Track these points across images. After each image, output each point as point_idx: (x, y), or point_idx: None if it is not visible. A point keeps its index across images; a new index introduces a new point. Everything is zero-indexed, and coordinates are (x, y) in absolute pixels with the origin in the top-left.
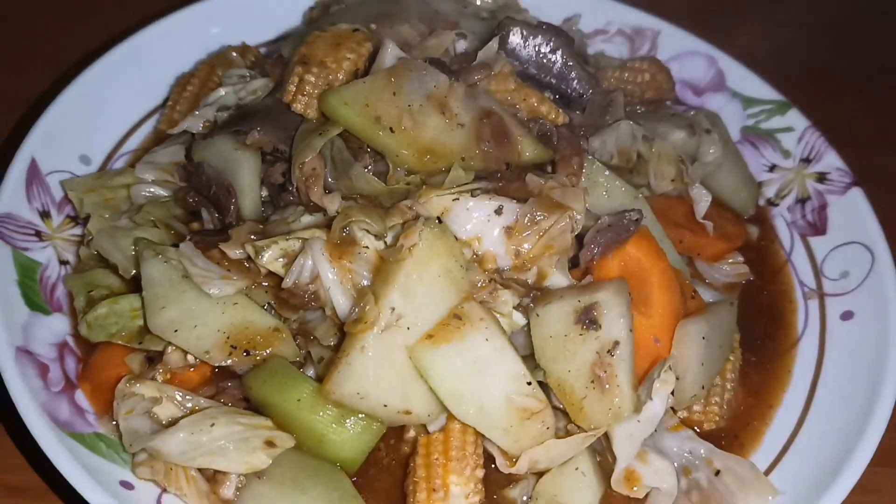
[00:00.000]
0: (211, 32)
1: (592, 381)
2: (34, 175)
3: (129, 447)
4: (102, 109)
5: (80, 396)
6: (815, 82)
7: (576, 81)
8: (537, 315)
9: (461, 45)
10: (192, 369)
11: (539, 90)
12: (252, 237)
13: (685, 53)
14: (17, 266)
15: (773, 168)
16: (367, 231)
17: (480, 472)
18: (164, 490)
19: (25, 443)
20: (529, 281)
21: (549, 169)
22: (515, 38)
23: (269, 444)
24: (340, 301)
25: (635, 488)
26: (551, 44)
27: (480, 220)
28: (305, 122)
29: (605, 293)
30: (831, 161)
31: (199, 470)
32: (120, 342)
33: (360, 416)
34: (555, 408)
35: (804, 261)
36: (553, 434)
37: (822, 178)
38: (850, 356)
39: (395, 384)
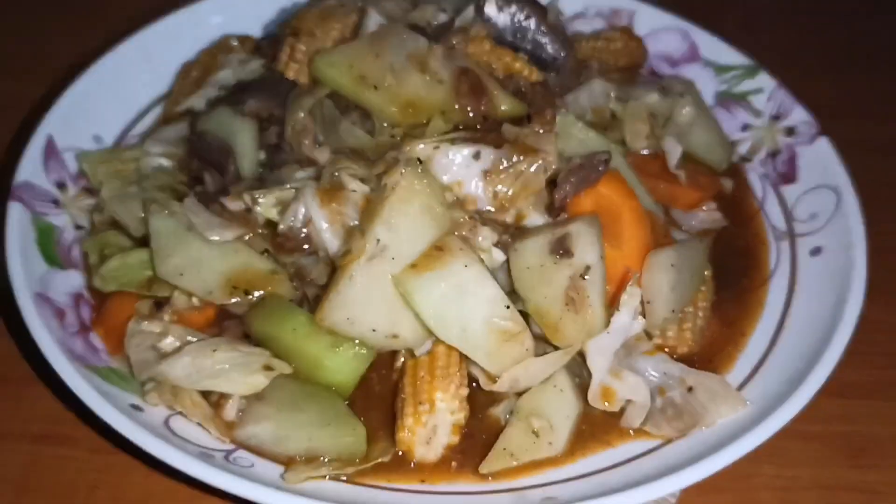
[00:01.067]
0: (213, 22)
1: (567, 304)
2: (51, 151)
3: (139, 375)
4: (114, 95)
5: (94, 338)
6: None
7: (549, 46)
8: (515, 249)
9: (441, 18)
10: (196, 311)
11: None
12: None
13: (660, 29)
14: (36, 228)
15: (745, 127)
16: (354, 176)
17: (465, 391)
18: (173, 411)
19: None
20: (509, 220)
21: (526, 122)
22: (491, 8)
23: (267, 368)
24: (331, 241)
25: (609, 403)
26: (525, 11)
27: (460, 166)
28: (298, 88)
29: (576, 224)
30: (798, 115)
31: (204, 397)
32: (131, 290)
33: (351, 342)
34: (536, 337)
35: (776, 207)
36: (532, 356)
37: (790, 131)
38: (819, 285)
39: (383, 310)
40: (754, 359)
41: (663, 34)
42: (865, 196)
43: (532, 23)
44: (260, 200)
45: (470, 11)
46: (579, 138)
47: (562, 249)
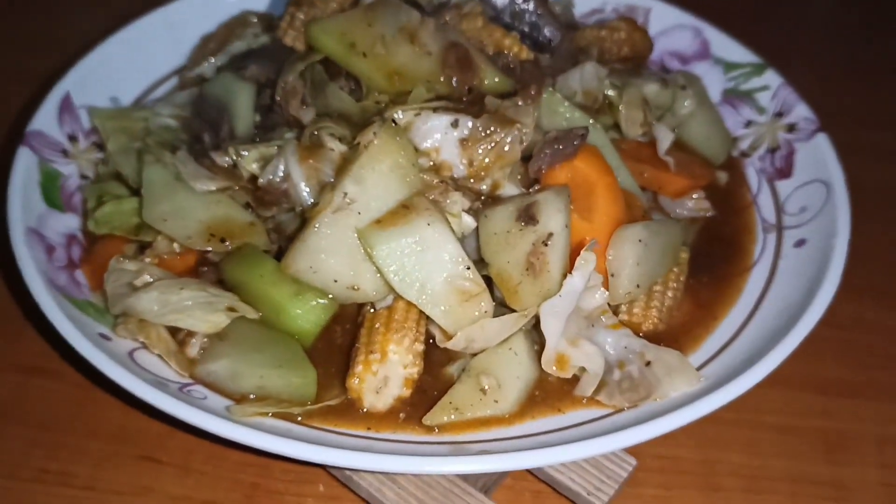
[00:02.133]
0: (229, 1)
1: (527, 269)
2: (67, 105)
3: (112, 308)
4: (133, 63)
5: (80, 275)
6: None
7: (546, 29)
8: (485, 216)
9: None
10: (177, 257)
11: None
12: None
13: (674, 27)
14: (41, 172)
15: (748, 124)
16: (334, 135)
17: (420, 347)
18: (139, 345)
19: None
20: (484, 190)
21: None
22: None
23: (231, 309)
24: (305, 195)
25: (562, 369)
26: None
27: (438, 133)
28: (295, 54)
29: (544, 194)
30: (800, 112)
31: (171, 333)
32: (119, 234)
33: (314, 291)
34: (499, 304)
35: (768, 201)
36: (490, 318)
37: (791, 128)
38: (797, 274)
39: (345, 262)
40: (721, 341)
41: (676, 31)
42: (864, 198)
43: (530, 5)
44: (244, 154)
45: None
46: (565, 116)
47: (527, 216)
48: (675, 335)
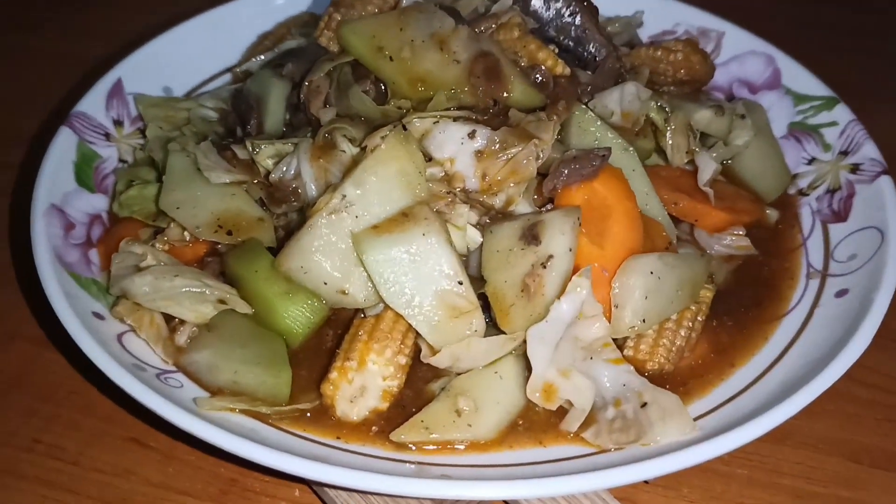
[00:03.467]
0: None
1: (522, 290)
2: (117, 91)
3: (111, 289)
4: (190, 56)
5: (94, 254)
6: None
7: (591, 45)
8: (490, 231)
9: (508, 1)
10: (188, 246)
11: (544, 43)
12: None
13: (746, 53)
14: (78, 152)
15: (811, 161)
16: (347, 137)
17: (403, 360)
18: (129, 327)
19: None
20: (497, 205)
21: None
22: (538, 1)
23: (221, 302)
24: (313, 194)
25: (548, 400)
26: (571, 8)
27: (455, 143)
28: (328, 54)
29: (551, 214)
30: (867, 152)
31: (165, 319)
32: (139, 218)
33: (306, 293)
34: (492, 324)
35: (818, 245)
36: (482, 335)
37: (855, 168)
38: (830, 327)
39: (336, 265)
40: (733, 390)
41: (748, 58)
42: None
43: (577, 19)
44: (261, 149)
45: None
46: (596, 136)
47: (531, 235)
48: (684, 378)
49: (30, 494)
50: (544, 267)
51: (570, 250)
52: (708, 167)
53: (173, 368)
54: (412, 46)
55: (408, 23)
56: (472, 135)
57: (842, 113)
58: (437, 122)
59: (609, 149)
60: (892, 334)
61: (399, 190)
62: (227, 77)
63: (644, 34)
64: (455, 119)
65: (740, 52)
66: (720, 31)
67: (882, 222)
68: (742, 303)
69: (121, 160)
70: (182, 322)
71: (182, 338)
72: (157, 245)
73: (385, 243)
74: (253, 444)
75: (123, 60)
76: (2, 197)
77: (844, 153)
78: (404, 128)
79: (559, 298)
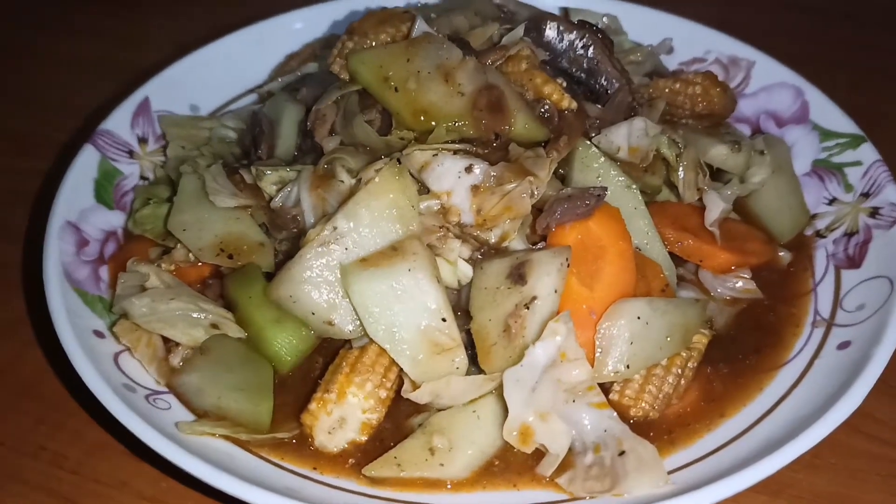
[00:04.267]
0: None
1: (504, 331)
2: (144, 109)
3: (114, 307)
4: (220, 74)
5: (105, 270)
6: None
7: (603, 77)
8: (481, 268)
9: (519, 33)
10: (192, 267)
11: (553, 76)
12: None
13: (775, 84)
14: (99, 169)
15: (832, 201)
16: (345, 168)
17: (384, 393)
18: (125, 347)
19: None
20: (492, 240)
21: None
22: (551, 32)
23: (214, 326)
24: (310, 223)
25: (524, 443)
26: (584, 40)
27: (453, 176)
28: (339, 81)
29: (539, 254)
30: (888, 195)
31: (164, 339)
32: (150, 236)
33: (296, 321)
34: (474, 362)
35: (829, 292)
36: (463, 373)
37: (874, 212)
38: (828, 381)
39: (324, 296)
40: (717, 443)
41: (777, 90)
42: None
43: (590, 51)
44: (266, 174)
45: (519, 31)
46: (598, 172)
47: (518, 274)
48: (670, 426)
49: (31, 500)
50: (527, 308)
51: (556, 292)
52: (715, 207)
53: (164, 389)
54: (418, 78)
55: (415, 54)
56: (469, 169)
57: (867, 152)
58: (437, 154)
59: (605, 188)
60: None
61: (390, 223)
62: (254, 97)
63: (674, 60)
64: (455, 152)
65: (770, 83)
66: (751, 60)
67: (893, 272)
68: (741, 349)
69: (142, 177)
70: (177, 344)
71: (176, 359)
72: (163, 265)
73: (371, 277)
74: (218, 471)
75: (152, 78)
76: (26, 203)
77: (866, 195)
78: (399, 161)
79: (533, 343)
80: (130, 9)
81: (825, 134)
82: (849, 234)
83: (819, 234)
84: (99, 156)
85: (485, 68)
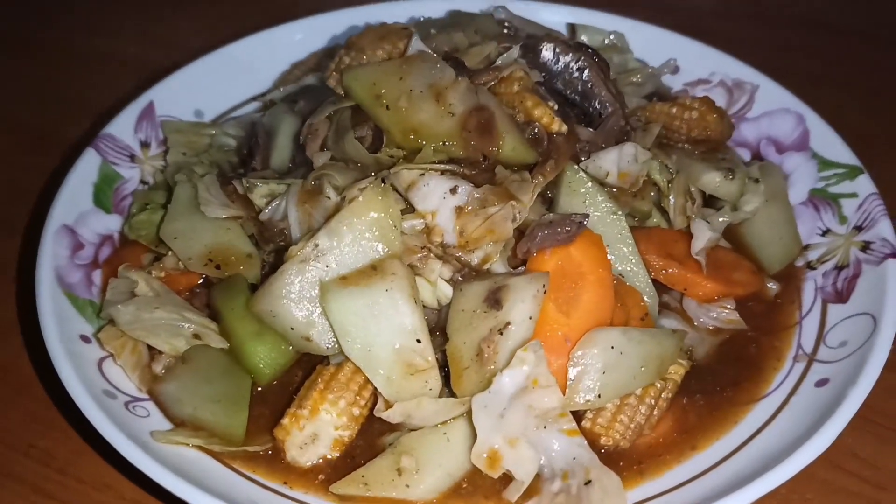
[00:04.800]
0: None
1: (477, 355)
2: (147, 113)
3: (102, 312)
4: (227, 80)
5: (98, 275)
6: None
7: (597, 100)
8: (460, 290)
9: (514, 54)
10: (182, 274)
11: (544, 99)
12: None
13: (779, 110)
14: (99, 173)
15: (826, 232)
16: (331, 184)
17: (357, 411)
18: (109, 354)
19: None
20: (474, 262)
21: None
22: (547, 54)
23: (196, 336)
24: (296, 237)
25: (491, 468)
26: (579, 63)
27: (438, 196)
28: (334, 96)
29: (516, 279)
30: (880, 230)
31: (149, 347)
32: (143, 242)
33: (276, 335)
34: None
35: (814, 326)
36: (436, 395)
37: (866, 246)
38: (799, 420)
39: (303, 312)
40: (687, 475)
41: (779, 115)
42: None
43: (584, 74)
44: (257, 187)
45: (514, 52)
46: (585, 197)
47: (494, 299)
48: (640, 456)
49: (18, 497)
50: (500, 333)
51: (530, 318)
52: (702, 235)
53: (145, 397)
54: (409, 96)
55: (409, 72)
56: (454, 190)
57: (864, 184)
58: (424, 174)
59: (586, 215)
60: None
61: (371, 243)
62: (258, 104)
63: (679, 80)
64: (442, 172)
65: (772, 109)
66: (755, 84)
67: (877, 310)
68: (719, 381)
69: (143, 181)
70: (160, 352)
71: (158, 367)
72: (153, 272)
73: (349, 295)
74: (185, 483)
75: (158, 83)
76: (28, 202)
77: (859, 228)
78: (384, 181)
79: (501, 371)
80: (160, 7)
81: (824, 163)
82: (839, 268)
83: (810, 266)
84: (100, 160)
85: (477, 89)
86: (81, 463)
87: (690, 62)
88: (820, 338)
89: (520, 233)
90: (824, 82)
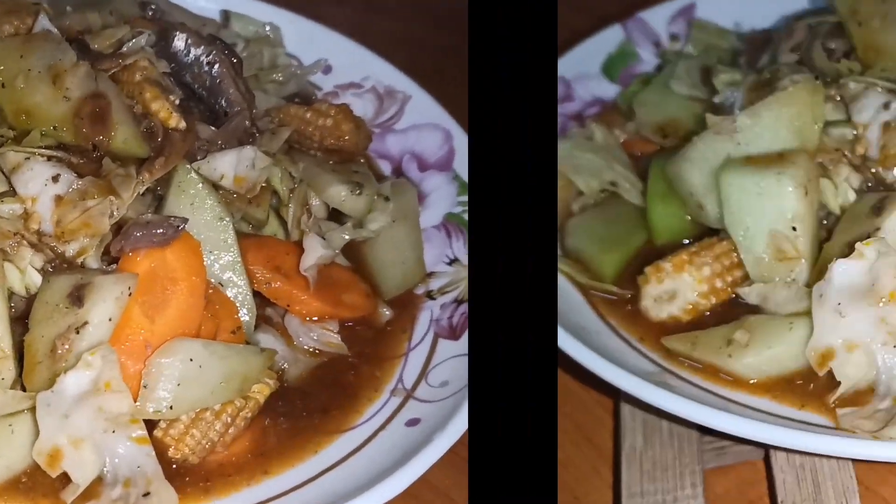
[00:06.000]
0: None
1: (52, 350)
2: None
3: None
4: None
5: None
6: None
7: (224, 98)
8: (47, 281)
9: (141, 42)
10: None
11: (167, 91)
12: None
13: (428, 124)
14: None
15: (453, 262)
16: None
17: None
18: None
19: None
20: (69, 254)
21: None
22: (179, 44)
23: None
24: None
25: (47, 464)
26: (211, 57)
27: (40, 183)
28: None
29: (104, 278)
30: None
31: None
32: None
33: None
34: None
35: (420, 361)
36: (8, 386)
37: None
38: (379, 460)
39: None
40: (253, 499)
41: (428, 130)
42: None
43: (214, 69)
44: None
45: (142, 39)
46: (194, 199)
47: (77, 296)
48: (208, 474)
49: None
50: (77, 332)
51: (110, 320)
52: (313, 252)
53: None
54: (27, 76)
55: (30, 51)
56: (56, 178)
57: None
58: (29, 158)
59: (185, 219)
60: None
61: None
62: None
63: (331, 82)
64: (49, 158)
65: (422, 122)
66: (407, 94)
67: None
68: (308, 406)
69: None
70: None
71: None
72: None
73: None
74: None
75: None
76: None
77: None
78: None
79: (66, 371)
80: None
81: (464, 187)
82: (458, 301)
83: (430, 295)
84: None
85: (97, 75)
86: None
87: (345, 63)
88: (423, 374)
89: (118, 228)
90: None
